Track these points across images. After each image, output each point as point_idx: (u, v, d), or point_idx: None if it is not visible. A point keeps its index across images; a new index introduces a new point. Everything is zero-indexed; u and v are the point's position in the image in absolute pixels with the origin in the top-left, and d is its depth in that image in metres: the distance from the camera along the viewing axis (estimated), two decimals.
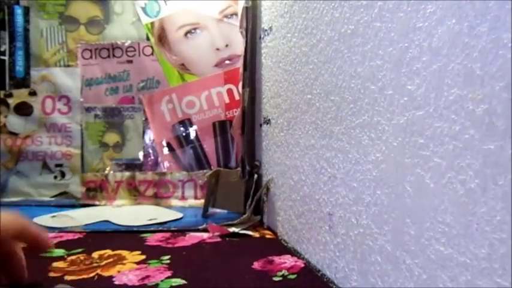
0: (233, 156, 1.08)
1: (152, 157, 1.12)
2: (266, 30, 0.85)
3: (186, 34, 1.09)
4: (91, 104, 1.11)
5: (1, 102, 1.09)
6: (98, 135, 1.11)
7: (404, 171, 0.40)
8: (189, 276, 0.57)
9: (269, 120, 0.83)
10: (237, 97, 1.07)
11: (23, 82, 1.10)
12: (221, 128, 1.10)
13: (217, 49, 1.09)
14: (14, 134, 1.09)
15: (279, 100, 0.77)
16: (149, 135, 1.12)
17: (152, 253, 0.67)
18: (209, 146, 1.10)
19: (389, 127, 0.42)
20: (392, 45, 0.41)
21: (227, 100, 1.09)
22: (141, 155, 1.11)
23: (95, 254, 0.67)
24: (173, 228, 0.83)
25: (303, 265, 0.62)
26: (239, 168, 0.94)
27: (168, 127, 1.11)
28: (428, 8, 0.36)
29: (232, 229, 0.80)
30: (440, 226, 0.35)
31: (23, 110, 1.09)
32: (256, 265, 0.61)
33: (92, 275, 0.58)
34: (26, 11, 1.10)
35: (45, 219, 0.90)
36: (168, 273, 0.58)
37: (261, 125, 0.90)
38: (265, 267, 0.61)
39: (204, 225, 0.83)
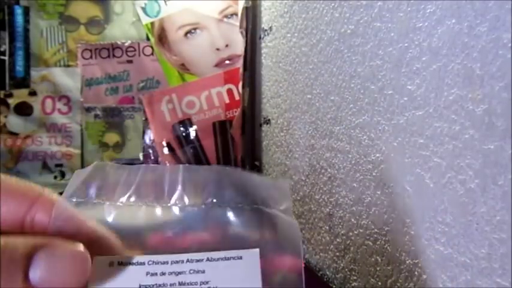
0: (233, 156, 1.08)
1: (152, 157, 1.11)
2: (266, 30, 0.85)
3: (186, 34, 1.09)
4: (91, 104, 1.11)
5: (1, 102, 1.09)
6: (98, 135, 1.11)
7: (404, 171, 0.40)
8: None
9: (269, 120, 0.83)
10: (237, 97, 1.07)
11: (23, 82, 1.09)
12: (221, 128, 1.09)
13: (217, 49, 1.09)
14: (14, 134, 1.09)
15: (279, 100, 0.77)
16: (149, 135, 1.12)
17: None
18: (209, 146, 1.10)
19: (389, 127, 0.42)
20: (392, 45, 0.41)
21: (227, 100, 1.09)
22: (141, 155, 1.11)
23: None
24: None
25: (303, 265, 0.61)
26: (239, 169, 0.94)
27: (168, 127, 1.11)
28: (428, 8, 0.36)
29: None
30: (440, 226, 0.35)
31: (23, 110, 1.09)
32: None
33: None
34: (26, 11, 1.10)
35: None
36: None
37: (261, 125, 0.89)
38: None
39: None
